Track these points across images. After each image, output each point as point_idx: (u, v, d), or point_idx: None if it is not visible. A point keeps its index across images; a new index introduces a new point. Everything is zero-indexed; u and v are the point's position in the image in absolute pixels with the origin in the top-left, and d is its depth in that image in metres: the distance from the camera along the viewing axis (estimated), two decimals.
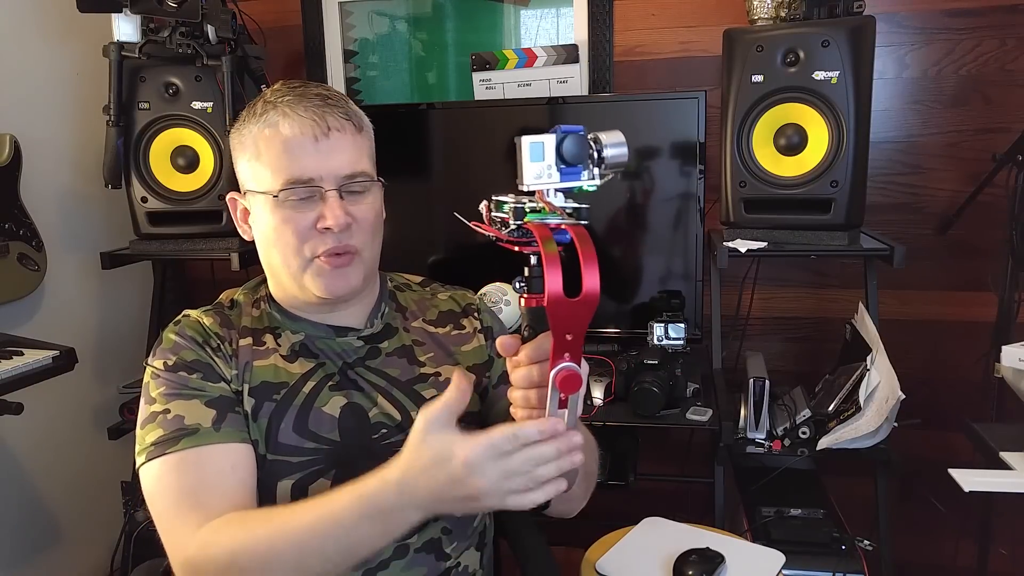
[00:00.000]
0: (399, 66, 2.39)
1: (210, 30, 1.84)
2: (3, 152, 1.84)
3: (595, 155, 0.74)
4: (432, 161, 2.10)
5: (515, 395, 0.79)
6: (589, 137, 0.74)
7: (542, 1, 2.21)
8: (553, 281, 0.68)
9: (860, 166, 1.63)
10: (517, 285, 0.76)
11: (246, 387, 1.00)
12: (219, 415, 0.96)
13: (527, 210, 0.74)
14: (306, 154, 0.97)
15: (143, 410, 0.98)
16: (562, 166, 0.73)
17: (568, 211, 0.74)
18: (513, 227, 0.74)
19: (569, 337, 0.71)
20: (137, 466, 0.95)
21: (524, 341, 0.78)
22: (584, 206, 0.74)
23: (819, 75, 1.61)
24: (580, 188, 0.74)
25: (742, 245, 1.69)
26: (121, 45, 1.84)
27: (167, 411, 0.95)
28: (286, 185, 0.96)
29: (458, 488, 0.75)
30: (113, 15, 1.83)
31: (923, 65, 1.94)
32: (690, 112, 1.87)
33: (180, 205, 1.92)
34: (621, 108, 1.97)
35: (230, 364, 1.01)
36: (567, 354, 0.71)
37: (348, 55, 2.37)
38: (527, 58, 2.15)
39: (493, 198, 0.79)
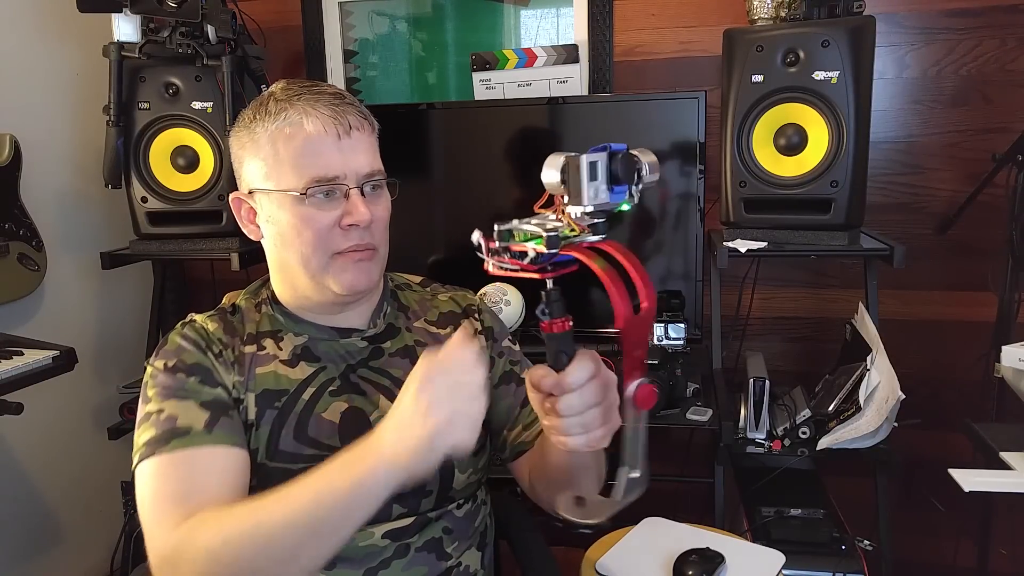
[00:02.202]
0: (399, 66, 2.39)
1: (210, 30, 1.84)
2: (3, 152, 1.84)
3: (636, 173, 0.72)
4: (432, 161, 2.10)
5: (567, 423, 0.74)
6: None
7: (542, 1, 2.21)
8: (623, 302, 0.67)
9: (860, 166, 1.63)
10: (539, 312, 0.73)
11: (251, 396, 1.00)
12: (212, 417, 0.95)
13: (559, 231, 0.70)
14: (330, 152, 0.97)
15: (140, 410, 0.98)
16: (612, 186, 0.70)
17: (587, 226, 0.71)
18: (535, 255, 0.70)
19: (638, 353, 0.71)
20: (132, 467, 0.94)
21: (554, 368, 0.74)
22: (600, 220, 0.71)
23: (819, 75, 1.61)
24: (620, 207, 0.72)
25: (742, 245, 1.69)
26: (121, 45, 1.84)
27: (161, 411, 0.95)
28: (312, 183, 0.96)
29: (411, 408, 0.78)
30: (113, 15, 1.83)
31: (923, 65, 1.94)
32: (690, 112, 1.87)
33: (180, 205, 1.92)
34: (621, 108, 1.97)
35: (232, 371, 1.00)
36: (637, 371, 0.71)
37: (348, 55, 2.37)
38: (527, 58, 2.15)
39: (497, 228, 0.73)
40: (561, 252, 0.70)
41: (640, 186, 0.72)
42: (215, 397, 0.97)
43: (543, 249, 0.69)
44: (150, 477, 0.91)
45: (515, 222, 0.72)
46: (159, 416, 0.94)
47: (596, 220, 0.71)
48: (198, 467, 0.92)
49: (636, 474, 0.76)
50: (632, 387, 0.71)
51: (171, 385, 0.97)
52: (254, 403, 1.00)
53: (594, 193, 0.69)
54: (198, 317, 1.06)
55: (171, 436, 0.92)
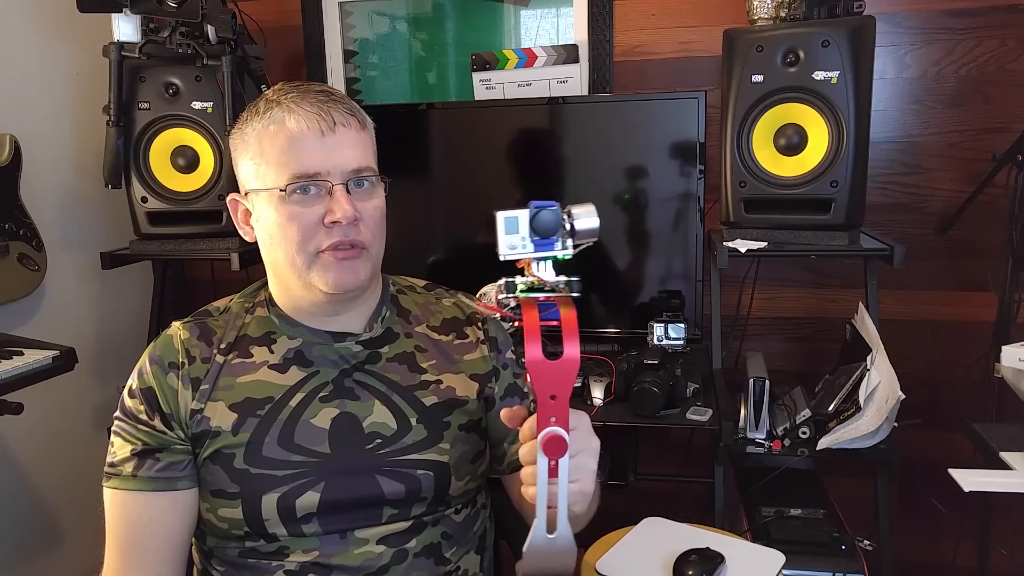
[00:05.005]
0: (399, 66, 2.39)
1: (210, 30, 1.84)
2: (3, 152, 1.84)
3: (567, 227, 0.77)
4: (432, 161, 2.10)
5: (525, 472, 0.78)
6: (563, 211, 0.78)
7: (542, 1, 2.21)
8: (532, 348, 0.71)
9: (860, 166, 1.63)
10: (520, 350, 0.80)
11: (218, 404, 1.00)
12: (139, 462, 0.99)
13: (518, 284, 0.79)
14: (313, 149, 0.96)
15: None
16: (535, 238, 0.77)
17: (561, 284, 0.78)
18: (513, 304, 0.79)
19: (553, 398, 0.72)
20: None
21: (530, 412, 0.78)
22: (575, 279, 0.78)
23: (819, 75, 1.61)
24: (555, 258, 0.78)
25: (742, 245, 1.69)
26: (121, 45, 1.84)
27: (113, 442, 1.02)
28: (292, 179, 0.95)
29: None
30: (113, 15, 1.83)
31: (923, 65, 1.94)
32: (690, 112, 1.87)
33: (180, 205, 1.92)
34: (621, 108, 1.97)
35: (190, 386, 1.01)
36: (553, 418, 0.72)
37: (348, 55, 2.37)
38: (527, 58, 2.15)
39: (504, 280, 0.82)
40: (516, 300, 0.79)
41: (576, 238, 0.78)
42: (145, 438, 1.00)
43: (501, 294, 0.81)
44: (106, 504, 1.01)
45: (519, 278, 0.81)
46: (111, 445, 1.02)
47: (572, 279, 0.79)
48: (132, 513, 1.00)
49: (551, 535, 0.76)
50: (542, 434, 0.73)
51: (125, 415, 1.02)
52: (227, 411, 1.00)
53: (513, 245, 0.77)
54: (175, 325, 1.07)
55: (111, 474, 1.01)
